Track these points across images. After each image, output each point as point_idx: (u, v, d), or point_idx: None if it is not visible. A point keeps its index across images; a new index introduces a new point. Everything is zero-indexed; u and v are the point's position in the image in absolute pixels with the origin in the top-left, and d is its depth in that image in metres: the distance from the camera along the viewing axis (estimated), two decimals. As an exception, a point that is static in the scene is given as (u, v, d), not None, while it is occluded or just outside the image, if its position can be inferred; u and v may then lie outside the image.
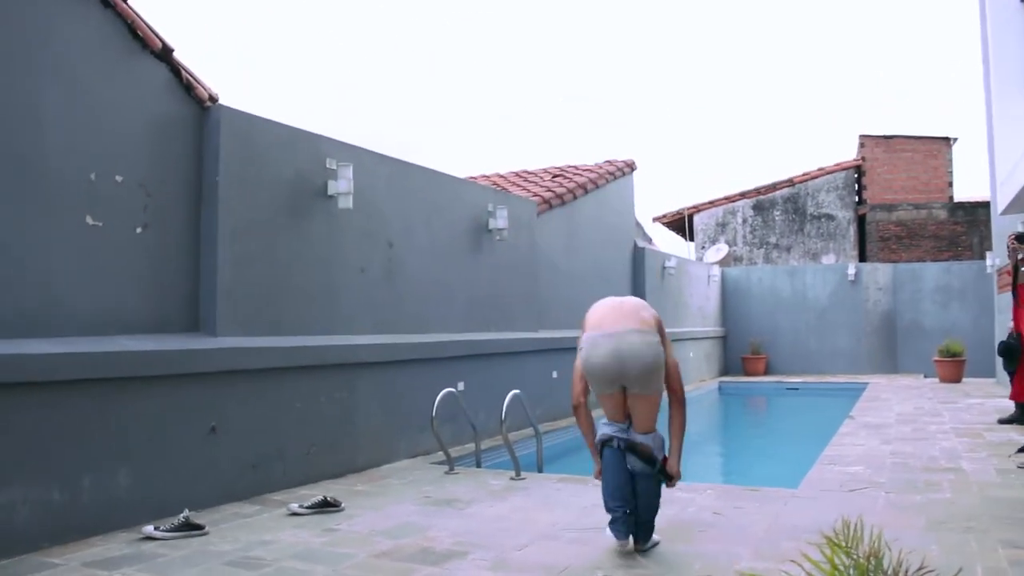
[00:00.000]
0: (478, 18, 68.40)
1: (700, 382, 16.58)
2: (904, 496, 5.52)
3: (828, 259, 20.88)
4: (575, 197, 11.74)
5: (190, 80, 5.70)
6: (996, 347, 9.06)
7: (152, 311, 5.44)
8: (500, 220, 9.13)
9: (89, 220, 4.99)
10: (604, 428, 4.46)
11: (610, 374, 4.26)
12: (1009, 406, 9.91)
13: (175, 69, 5.62)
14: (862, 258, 21.01)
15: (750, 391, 17.01)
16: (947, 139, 21.23)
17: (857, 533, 2.00)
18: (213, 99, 5.85)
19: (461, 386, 7.95)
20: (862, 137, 21.47)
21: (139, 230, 5.34)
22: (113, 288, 5.16)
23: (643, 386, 4.31)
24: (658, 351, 4.33)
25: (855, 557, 2.01)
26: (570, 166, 13.79)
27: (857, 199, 21.35)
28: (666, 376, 4.44)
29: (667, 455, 4.48)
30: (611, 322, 4.37)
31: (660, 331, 4.48)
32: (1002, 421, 9.06)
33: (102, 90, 5.14)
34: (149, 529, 4.69)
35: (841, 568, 2.00)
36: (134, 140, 5.35)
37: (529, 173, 13.60)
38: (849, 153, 22.54)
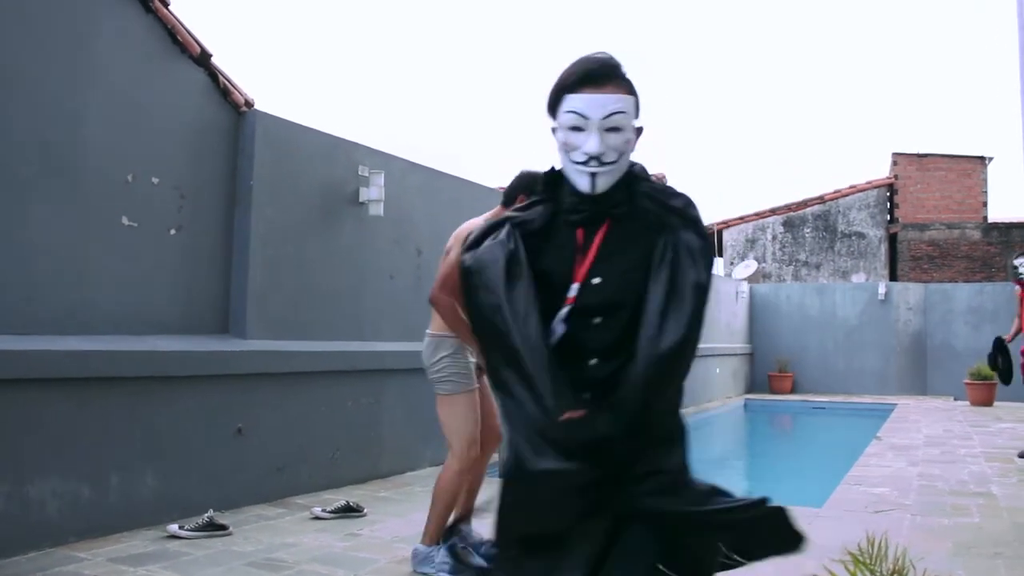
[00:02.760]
0: (515, 31, 68.67)
1: (726, 399, 16.48)
2: (931, 519, 5.46)
3: (858, 278, 20.70)
4: (604, 209, 11.70)
5: (227, 85, 5.77)
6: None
7: (183, 312, 5.50)
8: (529, 231, 9.13)
9: (125, 220, 5.06)
10: None
11: None
12: None
13: (213, 74, 5.69)
14: (893, 277, 20.82)
15: (776, 409, 16.88)
16: (982, 158, 20.99)
17: (881, 550, 1.99)
18: (249, 104, 5.92)
19: (486, 395, 7.95)
20: (895, 155, 21.30)
21: (173, 232, 5.41)
22: (146, 288, 5.23)
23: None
24: (430, 355, 4.13)
25: (879, 574, 2.00)
26: (600, 178, 13.76)
27: (889, 217, 21.17)
28: None
29: None
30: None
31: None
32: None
33: (141, 93, 5.22)
34: (174, 528, 4.74)
35: (865, 587, 1.98)
36: (171, 143, 5.43)
37: (559, 184, 13.58)
38: (881, 171, 22.37)
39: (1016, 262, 8.03)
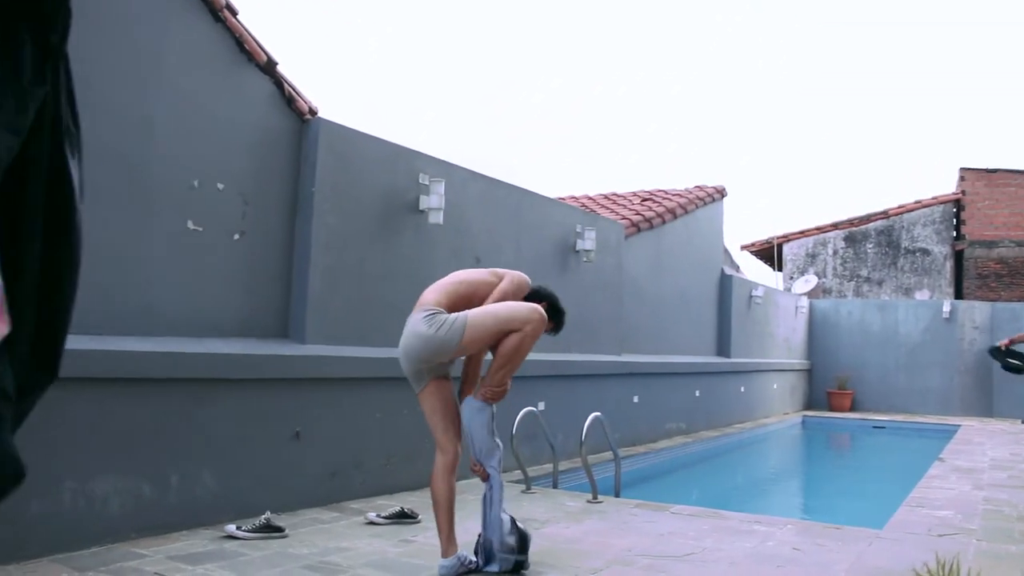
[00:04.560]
0: (574, 44, 68.70)
1: (783, 415, 16.23)
2: (998, 545, 5.30)
3: (922, 295, 20.26)
4: (664, 221, 11.66)
5: (292, 93, 5.86)
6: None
7: (244, 316, 5.59)
8: (588, 242, 9.12)
9: (190, 225, 5.17)
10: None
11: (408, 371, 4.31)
12: None
13: (278, 82, 5.79)
14: (958, 295, 20.31)
15: (834, 427, 16.58)
16: (1054, 175, 20.40)
17: (953, 574, 1.93)
18: (313, 112, 6.00)
19: (541, 406, 7.94)
20: (962, 170, 20.81)
21: (236, 237, 5.50)
22: (209, 291, 5.32)
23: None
24: (425, 327, 4.13)
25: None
26: (660, 190, 13.71)
27: (955, 234, 20.69)
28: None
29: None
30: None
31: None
32: None
33: (209, 100, 5.33)
34: (231, 528, 4.80)
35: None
36: (236, 150, 5.53)
37: (618, 196, 13.57)
38: (948, 186, 21.87)
39: None
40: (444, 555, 4.23)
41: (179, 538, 4.69)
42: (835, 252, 21.28)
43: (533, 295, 4.61)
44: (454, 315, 4.16)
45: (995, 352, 10.18)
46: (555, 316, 4.65)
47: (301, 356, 5.71)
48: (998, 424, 15.47)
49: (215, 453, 5.10)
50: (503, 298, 4.37)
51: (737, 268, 20.73)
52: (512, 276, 4.48)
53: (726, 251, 18.80)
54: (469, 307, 4.30)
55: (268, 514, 4.95)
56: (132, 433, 4.64)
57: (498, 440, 4.42)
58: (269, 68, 5.69)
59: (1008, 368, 10.36)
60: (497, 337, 4.17)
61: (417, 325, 4.18)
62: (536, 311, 4.19)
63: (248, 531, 4.78)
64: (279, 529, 4.88)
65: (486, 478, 4.33)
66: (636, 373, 10.28)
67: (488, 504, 4.33)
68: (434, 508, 4.29)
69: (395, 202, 6.59)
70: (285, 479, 5.57)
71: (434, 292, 4.34)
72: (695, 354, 12.62)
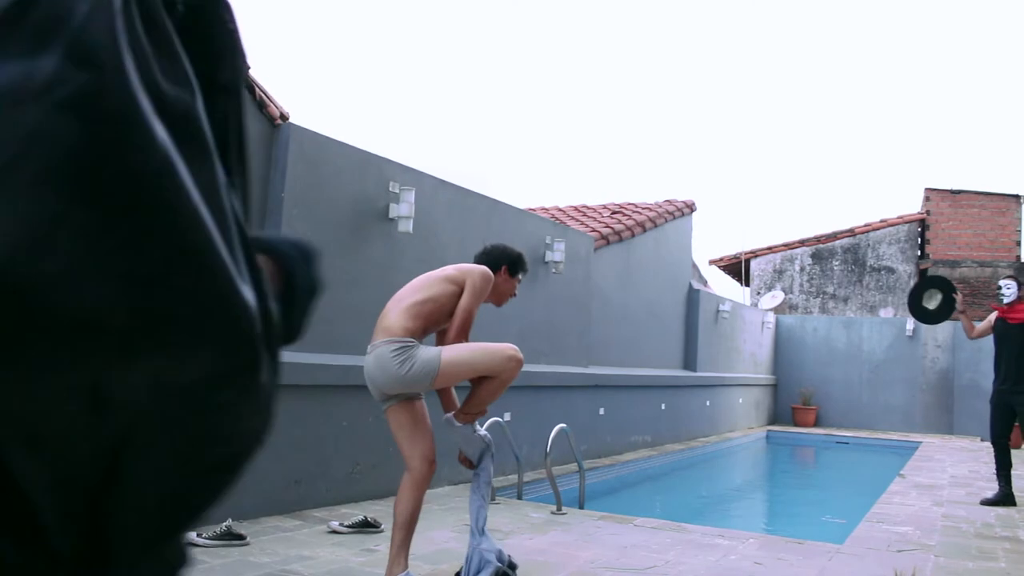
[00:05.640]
0: (545, 57, 69.03)
1: (748, 429, 16.34)
2: (955, 561, 5.37)
3: (886, 313, 20.50)
4: (633, 235, 11.72)
5: (263, 97, 5.83)
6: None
7: (210, 321, 5.53)
8: (557, 253, 9.15)
9: (157, 228, 5.12)
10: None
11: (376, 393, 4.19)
12: None
13: (250, 86, 5.75)
14: (922, 314, 20.57)
15: (798, 442, 16.72)
16: (1017, 196, 20.75)
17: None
18: (284, 117, 5.98)
19: (507, 416, 7.94)
20: (928, 190, 21.11)
21: (204, 241, 5.45)
22: (175, 296, 5.27)
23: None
24: (396, 367, 4.02)
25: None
26: (630, 203, 13.79)
27: (919, 253, 20.97)
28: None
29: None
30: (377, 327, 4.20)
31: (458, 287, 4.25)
32: (986, 502, 7.91)
33: (179, 103, 5.28)
34: (191, 535, 4.75)
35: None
36: (205, 153, 5.48)
37: (588, 208, 13.63)
38: (914, 206, 22.20)
39: (1000, 282, 7.88)
40: (387, 574, 4.06)
41: (138, 545, 4.62)
42: (802, 268, 21.49)
43: (487, 264, 4.46)
44: (426, 355, 4.03)
45: (942, 284, 8.74)
46: (519, 268, 4.57)
47: (267, 362, 5.66)
48: (958, 441, 15.68)
49: (177, 459, 5.03)
50: (468, 316, 4.21)
51: (705, 283, 20.85)
52: (473, 284, 4.24)
53: (694, 265, 18.93)
54: (437, 326, 4.24)
55: (230, 521, 4.90)
56: (92, 437, 4.57)
57: (483, 432, 4.42)
58: (241, 72, 5.66)
59: (920, 311, 8.84)
60: (469, 378, 4.18)
61: (386, 361, 4.02)
62: (512, 359, 4.11)
63: (209, 538, 4.73)
64: (240, 537, 4.83)
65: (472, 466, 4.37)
66: (602, 385, 10.31)
67: (476, 510, 4.27)
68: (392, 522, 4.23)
69: (365, 209, 6.58)
70: (248, 486, 5.51)
71: (401, 315, 4.11)
72: (662, 367, 12.69)
